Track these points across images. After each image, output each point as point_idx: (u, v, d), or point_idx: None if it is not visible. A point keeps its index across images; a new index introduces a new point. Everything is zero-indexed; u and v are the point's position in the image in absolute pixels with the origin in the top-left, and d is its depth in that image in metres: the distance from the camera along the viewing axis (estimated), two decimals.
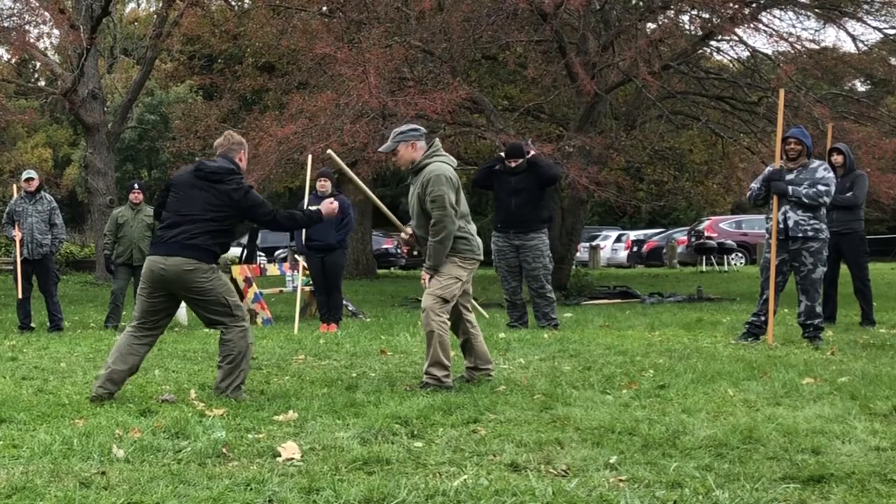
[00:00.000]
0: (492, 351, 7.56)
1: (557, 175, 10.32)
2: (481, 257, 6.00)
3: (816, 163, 7.89)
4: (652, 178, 20.05)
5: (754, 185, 8.18)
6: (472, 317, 6.13)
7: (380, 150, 6.53)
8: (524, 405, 5.10)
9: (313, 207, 10.25)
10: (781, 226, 7.76)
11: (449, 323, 5.88)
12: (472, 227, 6.00)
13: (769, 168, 8.05)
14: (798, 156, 7.79)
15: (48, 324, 10.47)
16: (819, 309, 7.82)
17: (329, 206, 5.89)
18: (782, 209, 7.76)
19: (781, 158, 7.93)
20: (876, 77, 18.81)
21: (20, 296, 10.44)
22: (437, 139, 6.04)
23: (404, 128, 6.04)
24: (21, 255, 10.33)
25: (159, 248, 5.46)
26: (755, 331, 8.02)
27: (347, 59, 13.30)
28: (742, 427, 4.39)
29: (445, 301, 5.79)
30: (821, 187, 7.66)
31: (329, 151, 7.25)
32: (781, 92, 8.45)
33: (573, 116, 15.88)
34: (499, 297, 14.96)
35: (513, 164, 9.64)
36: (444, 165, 5.81)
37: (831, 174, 7.84)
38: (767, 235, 7.96)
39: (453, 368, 5.94)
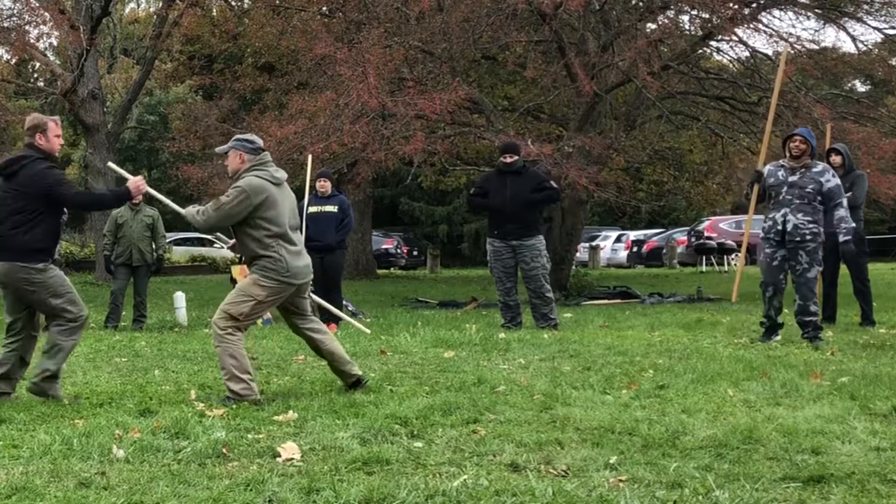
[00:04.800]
0: (491, 351, 7.58)
1: (556, 198, 10.28)
2: (291, 282, 5.56)
3: (820, 166, 7.87)
4: (652, 178, 20.09)
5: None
6: (314, 324, 5.83)
7: (216, 149, 6.30)
8: (524, 405, 5.10)
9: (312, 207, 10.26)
10: (780, 227, 7.76)
11: (237, 336, 5.49)
12: (291, 248, 5.61)
13: (768, 167, 8.05)
14: (801, 154, 7.78)
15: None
16: (814, 308, 7.81)
17: (138, 182, 5.69)
18: (782, 211, 7.76)
19: (785, 156, 7.93)
20: (876, 77, 18.83)
21: None
22: (267, 153, 5.79)
23: (245, 136, 5.85)
24: None
25: None
26: (775, 328, 8.00)
27: (347, 60, 13.30)
28: (742, 427, 4.39)
29: (233, 318, 5.50)
30: (843, 212, 7.76)
31: (109, 164, 7.00)
32: (783, 56, 8.45)
33: (573, 117, 15.89)
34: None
35: (508, 160, 9.62)
36: (255, 179, 5.56)
37: (838, 181, 7.86)
38: (763, 234, 7.99)
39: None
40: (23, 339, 5.65)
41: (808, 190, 7.69)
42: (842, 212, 7.74)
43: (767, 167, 8.05)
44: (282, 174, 5.77)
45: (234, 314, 5.51)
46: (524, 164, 10.00)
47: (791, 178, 7.76)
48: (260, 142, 5.82)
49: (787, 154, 7.86)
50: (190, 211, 5.74)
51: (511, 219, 9.47)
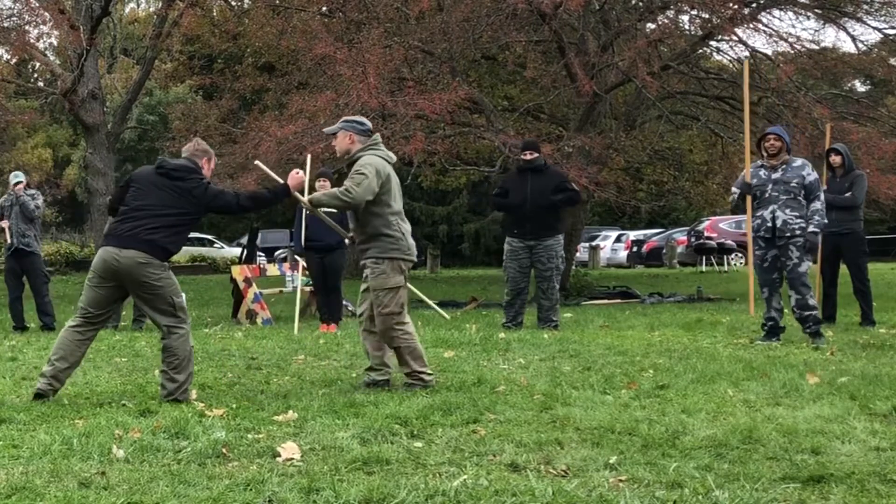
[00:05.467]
0: (491, 351, 7.58)
1: (577, 200, 10.29)
2: (413, 258, 5.91)
3: (799, 160, 7.93)
4: (652, 178, 20.07)
5: (735, 188, 8.29)
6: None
7: (324, 130, 6.62)
8: (524, 405, 5.10)
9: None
10: (769, 224, 7.79)
11: (412, 329, 5.85)
12: (406, 227, 5.93)
13: (741, 176, 8.14)
14: (778, 152, 7.86)
15: (40, 323, 10.51)
16: (811, 301, 7.82)
17: (296, 176, 5.82)
18: (770, 208, 7.80)
19: (762, 156, 7.99)
20: (876, 77, 18.82)
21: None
22: (378, 135, 6.03)
23: (354, 118, 6.08)
24: (10, 244, 10.54)
25: (114, 240, 5.45)
26: (776, 331, 7.99)
27: (347, 60, 13.30)
28: (742, 427, 4.39)
29: (397, 313, 5.77)
30: (818, 205, 7.78)
31: (256, 162, 7.16)
32: (746, 65, 8.49)
33: (573, 117, 15.89)
34: (499, 297, 14.98)
35: (528, 157, 9.59)
36: (376, 158, 5.83)
37: (816, 175, 7.92)
38: (752, 233, 8.02)
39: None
40: (96, 332, 5.66)
41: (792, 185, 7.75)
42: (818, 204, 7.77)
43: (745, 171, 8.15)
44: (392, 156, 6.03)
45: (396, 310, 5.78)
46: (545, 162, 9.97)
47: (774, 175, 7.82)
48: (369, 124, 6.03)
49: (764, 154, 7.93)
50: (330, 193, 5.88)
51: (530, 218, 9.41)
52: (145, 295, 5.46)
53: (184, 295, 5.75)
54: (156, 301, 5.46)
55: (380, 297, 5.78)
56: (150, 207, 5.45)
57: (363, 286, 5.98)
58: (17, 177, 10.75)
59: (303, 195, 6.31)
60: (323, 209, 6.27)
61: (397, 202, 5.88)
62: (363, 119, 6.07)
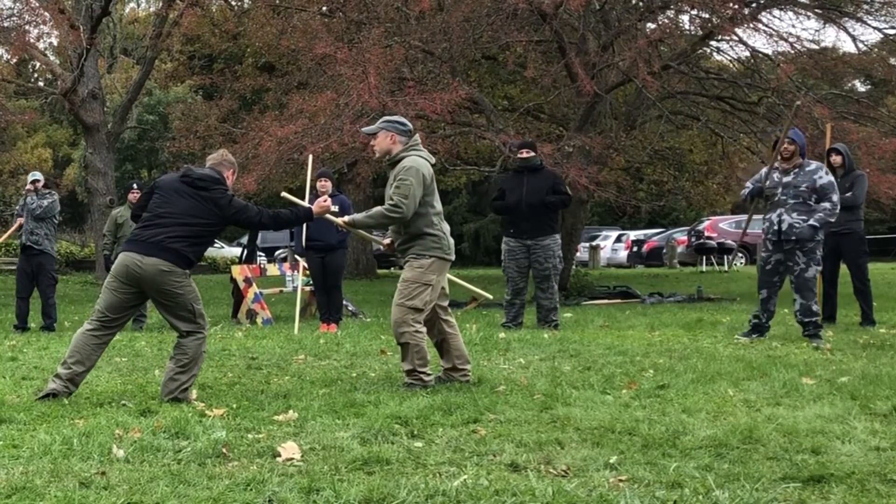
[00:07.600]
0: (491, 351, 7.58)
1: (567, 204, 10.21)
2: (452, 257, 5.91)
3: (814, 164, 7.92)
4: (652, 178, 20.08)
5: (748, 184, 8.28)
6: (449, 317, 6.04)
7: (362, 129, 6.61)
8: (524, 405, 5.10)
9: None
10: (776, 227, 7.81)
11: (424, 331, 5.81)
12: (445, 227, 5.95)
13: (764, 171, 8.14)
14: (791, 156, 7.86)
15: (41, 323, 10.51)
16: (815, 307, 7.85)
17: (322, 203, 5.86)
18: (777, 211, 7.81)
19: (778, 159, 7.98)
20: (876, 77, 18.82)
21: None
22: (417, 135, 6.03)
23: (394, 118, 6.05)
24: (21, 240, 10.64)
25: (137, 247, 5.45)
26: (759, 329, 8.04)
27: (347, 60, 13.30)
28: (742, 427, 4.39)
29: (417, 310, 5.74)
30: (828, 205, 7.75)
31: (283, 194, 7.04)
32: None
33: (573, 116, 15.88)
34: (499, 296, 14.99)
35: (524, 155, 9.64)
36: (419, 159, 5.83)
37: (831, 178, 7.90)
38: (764, 235, 8.03)
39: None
40: (112, 335, 5.65)
41: (802, 189, 7.75)
42: (827, 204, 7.76)
43: (763, 170, 8.15)
44: (431, 156, 6.03)
45: (419, 306, 5.73)
46: (541, 162, 10.01)
47: (785, 179, 7.83)
48: (410, 124, 6.01)
49: (779, 157, 7.94)
50: (378, 212, 5.87)
51: (526, 217, 9.45)
52: (166, 302, 5.47)
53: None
54: (176, 308, 5.47)
55: (409, 288, 5.74)
56: (173, 215, 5.45)
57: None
58: (32, 176, 10.83)
59: (334, 216, 6.29)
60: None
61: (439, 202, 5.91)
62: (404, 119, 6.06)
